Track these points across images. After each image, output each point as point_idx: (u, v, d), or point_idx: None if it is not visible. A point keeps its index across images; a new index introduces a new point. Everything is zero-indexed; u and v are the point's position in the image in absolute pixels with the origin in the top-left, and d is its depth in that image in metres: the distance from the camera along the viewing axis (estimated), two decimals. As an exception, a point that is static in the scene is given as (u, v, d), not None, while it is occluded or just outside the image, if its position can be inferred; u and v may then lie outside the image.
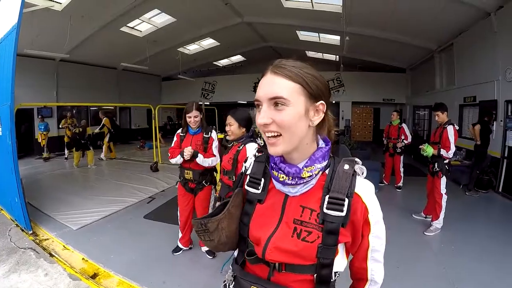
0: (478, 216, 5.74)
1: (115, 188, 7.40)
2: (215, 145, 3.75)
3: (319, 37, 13.49)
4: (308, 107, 0.93)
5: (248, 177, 1.12)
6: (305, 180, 0.97)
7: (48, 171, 9.61)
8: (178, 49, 15.34)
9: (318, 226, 0.95)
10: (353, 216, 0.95)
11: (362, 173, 1.00)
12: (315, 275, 0.97)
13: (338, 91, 17.56)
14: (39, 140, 12.03)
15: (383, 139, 8.01)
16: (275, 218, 1.01)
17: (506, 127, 7.18)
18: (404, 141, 7.49)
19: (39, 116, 10.68)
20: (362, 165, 1.01)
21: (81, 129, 10.22)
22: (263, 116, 0.90)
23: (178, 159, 3.68)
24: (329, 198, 0.95)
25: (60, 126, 11.36)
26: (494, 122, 7.60)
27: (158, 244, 4.47)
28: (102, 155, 11.76)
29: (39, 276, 3.57)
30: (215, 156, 3.73)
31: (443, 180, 4.96)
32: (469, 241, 4.67)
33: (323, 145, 1.03)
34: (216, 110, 18.16)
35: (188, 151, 3.57)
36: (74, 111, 13.79)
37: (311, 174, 0.97)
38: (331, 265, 0.96)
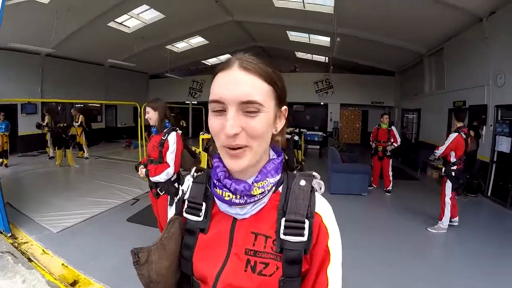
0: (467, 220, 5.72)
1: (98, 189, 7.18)
2: (170, 150, 3.34)
3: (309, 38, 13.48)
4: (276, 112, 0.82)
5: (186, 202, 0.92)
6: (255, 198, 0.81)
7: (30, 170, 9.31)
8: (166, 47, 15.15)
9: (276, 256, 0.78)
10: (314, 240, 0.80)
11: (320, 189, 0.85)
12: None
13: (327, 93, 17.68)
14: None
15: (371, 142, 7.95)
16: (222, 249, 0.83)
17: (495, 132, 7.21)
18: (394, 144, 7.44)
19: (1, 114, 9.91)
20: (320, 179, 0.86)
21: (65, 124, 9.96)
22: (233, 125, 0.72)
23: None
24: (285, 221, 0.79)
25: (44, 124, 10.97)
26: (484, 127, 7.66)
27: (142, 249, 4.30)
28: (86, 154, 11.47)
29: (17, 283, 3.40)
30: (168, 166, 3.33)
31: (448, 184, 5.15)
32: (459, 245, 4.78)
33: (274, 156, 0.88)
34: (203, 110, 18.01)
35: (140, 173, 3.45)
36: (59, 108, 13.46)
37: (263, 190, 0.81)
38: None
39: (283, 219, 0.79)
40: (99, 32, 11.62)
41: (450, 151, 5.09)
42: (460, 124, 5.15)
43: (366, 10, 9.03)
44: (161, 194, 3.45)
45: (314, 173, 0.87)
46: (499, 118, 7.20)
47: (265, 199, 0.84)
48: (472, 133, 7.16)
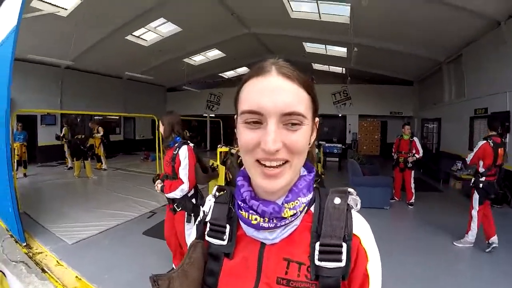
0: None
1: (115, 201, 7.17)
2: (182, 165, 3.19)
3: (325, 49, 13.42)
4: (312, 124, 0.74)
5: (208, 224, 0.83)
6: (286, 221, 0.71)
7: (48, 180, 9.43)
8: (183, 60, 15.32)
9: (311, 284, 0.69)
10: (353, 264, 0.71)
11: (356, 205, 0.76)
12: None
13: (345, 104, 17.49)
14: (16, 153, 9.33)
15: (393, 153, 7.75)
16: (250, 278, 0.74)
17: None
18: (415, 155, 7.22)
19: (19, 124, 9.80)
20: (356, 195, 0.76)
21: (83, 136, 10.10)
22: (275, 140, 0.63)
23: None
24: (320, 245, 0.70)
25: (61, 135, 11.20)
26: (508, 134, 7.40)
27: (157, 264, 4.19)
28: (104, 165, 11.58)
29: (29, 294, 3.33)
30: (182, 182, 3.18)
31: (475, 196, 4.89)
32: (488, 261, 4.53)
33: (305, 172, 0.78)
34: (221, 123, 18.04)
35: (156, 188, 3.38)
36: (78, 120, 13.71)
37: (294, 211, 0.71)
38: None
39: (318, 244, 0.70)
40: (117, 45, 11.85)
41: (478, 160, 4.85)
42: (492, 133, 4.88)
43: (382, 19, 8.96)
44: (178, 210, 3.32)
45: (350, 189, 0.77)
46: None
47: (297, 221, 0.74)
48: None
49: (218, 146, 7.19)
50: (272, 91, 0.65)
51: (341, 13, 9.59)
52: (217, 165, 6.58)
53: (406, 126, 7.60)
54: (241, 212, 0.74)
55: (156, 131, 9.91)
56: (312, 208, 0.76)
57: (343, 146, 14.92)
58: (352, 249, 0.70)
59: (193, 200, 3.34)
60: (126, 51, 12.56)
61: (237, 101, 0.73)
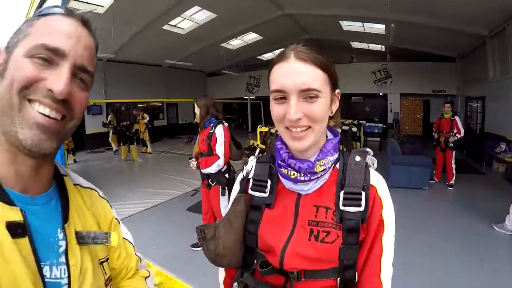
0: None
1: (161, 181, 7.57)
2: (219, 142, 3.50)
3: (363, 26, 12.98)
4: (331, 96, 0.89)
5: (251, 180, 1.00)
6: (318, 175, 0.89)
7: (97, 165, 10.11)
8: (221, 45, 15.42)
9: (336, 225, 0.86)
10: (370, 209, 0.87)
11: (373, 164, 0.94)
12: (338, 278, 0.87)
13: (386, 83, 16.89)
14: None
15: (433, 133, 7.50)
16: (288, 222, 0.91)
17: None
18: (456, 135, 6.96)
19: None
20: (373, 156, 0.95)
21: (128, 122, 10.65)
22: (296, 111, 0.80)
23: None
24: (344, 193, 0.87)
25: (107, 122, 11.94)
26: None
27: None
28: (150, 149, 12.16)
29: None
30: (218, 158, 3.49)
31: None
32: None
33: (332, 137, 0.96)
34: (261, 104, 18.12)
35: (192, 165, 3.69)
36: (123, 108, 14.35)
37: (324, 167, 0.89)
38: (355, 265, 0.87)
39: (342, 192, 0.87)
40: (154, 36, 12.17)
41: None
42: None
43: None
44: (213, 185, 3.63)
45: (368, 149, 0.95)
46: None
47: (326, 176, 0.91)
48: None
49: (258, 127, 7.36)
50: (292, 73, 0.81)
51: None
52: (257, 145, 6.78)
53: (447, 104, 7.30)
54: (281, 169, 0.92)
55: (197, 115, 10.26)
56: (337, 166, 0.93)
57: (384, 126, 14.60)
58: (370, 196, 0.87)
59: (226, 175, 3.65)
60: (164, 40, 12.87)
61: (268, 83, 0.90)
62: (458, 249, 4.20)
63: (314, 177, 0.88)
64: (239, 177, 1.08)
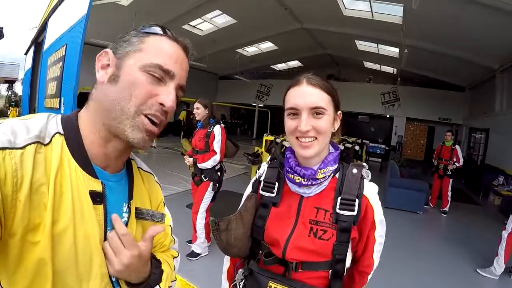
0: None
1: (162, 176, 7.40)
2: (216, 140, 3.76)
3: (377, 48, 13.25)
4: (334, 115, 1.07)
5: (262, 182, 1.18)
6: (319, 181, 1.06)
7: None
8: (236, 50, 15.67)
9: (332, 225, 1.03)
10: (362, 215, 1.05)
11: (368, 176, 1.11)
12: (330, 270, 1.05)
13: (393, 105, 17.15)
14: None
15: (433, 160, 7.66)
16: (291, 219, 1.08)
17: None
18: (456, 163, 7.11)
19: None
20: (368, 169, 1.12)
21: None
22: (306, 124, 0.99)
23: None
24: (341, 199, 1.04)
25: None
26: None
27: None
28: (155, 143, 12.20)
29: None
30: (216, 153, 3.75)
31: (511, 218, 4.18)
32: None
33: (333, 150, 1.13)
34: (269, 113, 18.27)
35: (187, 161, 3.92)
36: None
37: (324, 175, 1.05)
38: (344, 260, 1.04)
39: (339, 198, 1.05)
40: None
41: None
42: None
43: (434, 21, 8.77)
44: (205, 180, 3.82)
45: (364, 163, 1.14)
46: None
47: (326, 183, 1.09)
48: None
49: (265, 135, 7.54)
50: (304, 95, 1.01)
51: (394, 13, 9.49)
52: (262, 152, 6.95)
53: (448, 133, 7.48)
54: (288, 174, 1.10)
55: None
56: (337, 175, 1.11)
57: (386, 148, 14.70)
58: (362, 204, 1.05)
59: (218, 173, 3.91)
60: None
61: (284, 102, 1.08)
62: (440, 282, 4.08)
63: (315, 183, 1.06)
64: (252, 180, 1.25)
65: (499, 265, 4.17)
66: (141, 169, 0.98)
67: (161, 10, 10.34)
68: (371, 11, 9.76)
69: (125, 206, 0.81)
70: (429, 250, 5.16)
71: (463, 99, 15.28)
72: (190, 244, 4.13)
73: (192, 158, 3.86)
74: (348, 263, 1.08)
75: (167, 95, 0.74)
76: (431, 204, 7.60)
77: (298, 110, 1.01)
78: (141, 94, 0.71)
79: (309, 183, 1.05)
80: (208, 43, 13.63)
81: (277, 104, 19.11)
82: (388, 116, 17.73)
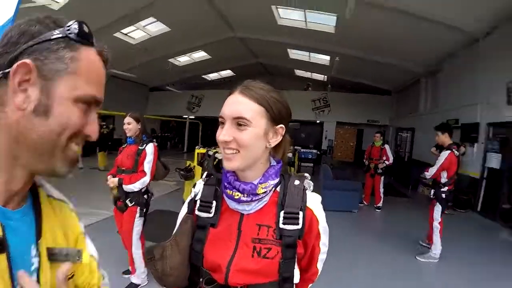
0: (456, 235, 5.81)
1: (88, 201, 6.63)
2: (148, 159, 3.31)
3: (309, 56, 13.73)
4: (268, 129, 0.98)
5: (198, 202, 1.08)
6: (259, 197, 0.99)
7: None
8: (168, 60, 15.23)
9: (276, 242, 0.97)
10: (307, 228, 1.00)
11: (310, 187, 1.07)
12: None
13: (323, 111, 17.84)
14: None
15: (364, 159, 8.15)
16: (232, 240, 1.00)
17: (486, 149, 7.52)
18: (385, 162, 7.64)
19: None
20: (310, 180, 1.09)
21: None
22: (224, 134, 0.93)
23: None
24: (284, 213, 0.98)
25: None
26: (476, 144, 7.95)
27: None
28: (80, 164, 10.71)
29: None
30: (145, 174, 3.29)
31: (438, 208, 4.69)
32: (453, 263, 4.69)
33: (274, 163, 1.06)
34: (200, 125, 18.00)
35: (110, 182, 3.30)
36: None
37: (265, 190, 0.99)
38: (291, 277, 0.99)
39: (282, 212, 0.99)
40: (104, 42, 11.52)
41: (442, 171, 4.65)
42: (450, 141, 4.68)
43: (365, 31, 9.33)
44: (130, 205, 3.31)
45: (306, 174, 1.10)
46: (490, 136, 7.51)
47: (267, 198, 1.02)
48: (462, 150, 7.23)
49: (196, 148, 7.24)
50: (231, 104, 0.95)
51: (328, 22, 9.88)
52: (194, 166, 6.70)
53: (377, 134, 8.01)
54: (227, 190, 1.01)
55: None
56: (278, 188, 1.04)
57: (318, 152, 15.24)
58: (306, 216, 1.00)
59: (145, 196, 3.43)
60: (112, 48, 12.08)
61: None
62: (379, 274, 4.35)
63: (256, 198, 0.98)
64: (188, 199, 1.14)
65: (436, 249, 4.67)
66: (52, 197, 0.76)
67: (93, 15, 9.76)
68: (305, 21, 10.11)
69: (33, 249, 0.63)
70: (369, 244, 5.42)
71: (389, 102, 16.59)
72: (127, 276, 3.70)
73: (116, 179, 3.28)
74: (296, 279, 1.02)
75: (94, 126, 0.64)
76: (365, 202, 8.04)
77: (224, 119, 0.96)
78: (75, 127, 0.61)
79: (249, 198, 0.98)
80: (140, 52, 13.12)
81: (209, 114, 18.66)
82: (318, 121, 18.40)
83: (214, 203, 1.05)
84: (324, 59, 13.18)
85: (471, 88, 8.37)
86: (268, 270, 0.95)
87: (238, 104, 0.94)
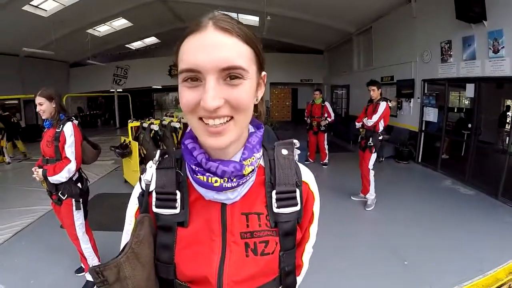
0: (402, 183, 6.44)
1: (24, 196, 6.16)
2: (68, 143, 2.83)
3: (237, 17, 13.24)
4: (258, 79, 0.71)
5: (154, 194, 0.76)
6: (247, 178, 0.72)
7: None
8: (87, 31, 13.95)
9: (272, 231, 0.75)
10: (304, 206, 0.81)
11: (296, 156, 0.85)
12: (280, 287, 0.79)
13: (259, 72, 17.78)
14: None
15: (305, 118, 8.26)
16: (215, 241, 0.73)
17: (423, 104, 7.97)
18: (327, 119, 7.82)
19: None
20: (297, 147, 0.87)
21: None
22: (214, 97, 0.59)
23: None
24: (277, 193, 0.76)
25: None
26: (412, 99, 8.43)
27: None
28: (8, 159, 9.58)
29: None
30: (69, 161, 2.83)
31: (373, 155, 5.10)
32: (399, 208, 5.24)
33: (254, 130, 0.81)
34: (130, 97, 17.21)
35: (36, 175, 2.87)
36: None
37: (253, 167, 0.73)
38: (294, 270, 0.80)
39: (274, 192, 0.76)
40: (12, 18, 10.35)
41: (380, 120, 5.00)
42: (379, 95, 5.16)
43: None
44: (64, 198, 2.91)
45: (294, 140, 0.86)
46: (425, 91, 7.93)
47: (253, 177, 0.76)
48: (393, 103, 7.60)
49: (129, 121, 6.82)
50: (209, 47, 0.60)
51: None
52: (130, 142, 6.34)
53: (316, 92, 8.10)
54: (197, 176, 0.70)
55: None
56: (262, 162, 0.79)
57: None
58: (303, 193, 0.80)
59: (79, 185, 3.02)
60: (22, 24, 10.99)
61: (176, 62, 0.67)
62: (345, 217, 5.06)
63: (243, 181, 0.71)
64: (135, 192, 0.82)
65: (372, 195, 5.28)
66: None
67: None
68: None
69: None
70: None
71: (322, 60, 16.98)
72: (81, 274, 3.39)
73: (42, 170, 2.83)
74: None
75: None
76: (310, 159, 8.31)
77: (200, 73, 0.60)
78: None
79: (234, 184, 0.70)
80: (54, 25, 11.77)
81: (137, 86, 18.32)
82: (251, 83, 18.38)
83: (179, 194, 0.75)
84: (253, 20, 12.94)
85: (405, 46, 8.70)
86: (268, 268, 0.75)
87: (222, 46, 0.60)
